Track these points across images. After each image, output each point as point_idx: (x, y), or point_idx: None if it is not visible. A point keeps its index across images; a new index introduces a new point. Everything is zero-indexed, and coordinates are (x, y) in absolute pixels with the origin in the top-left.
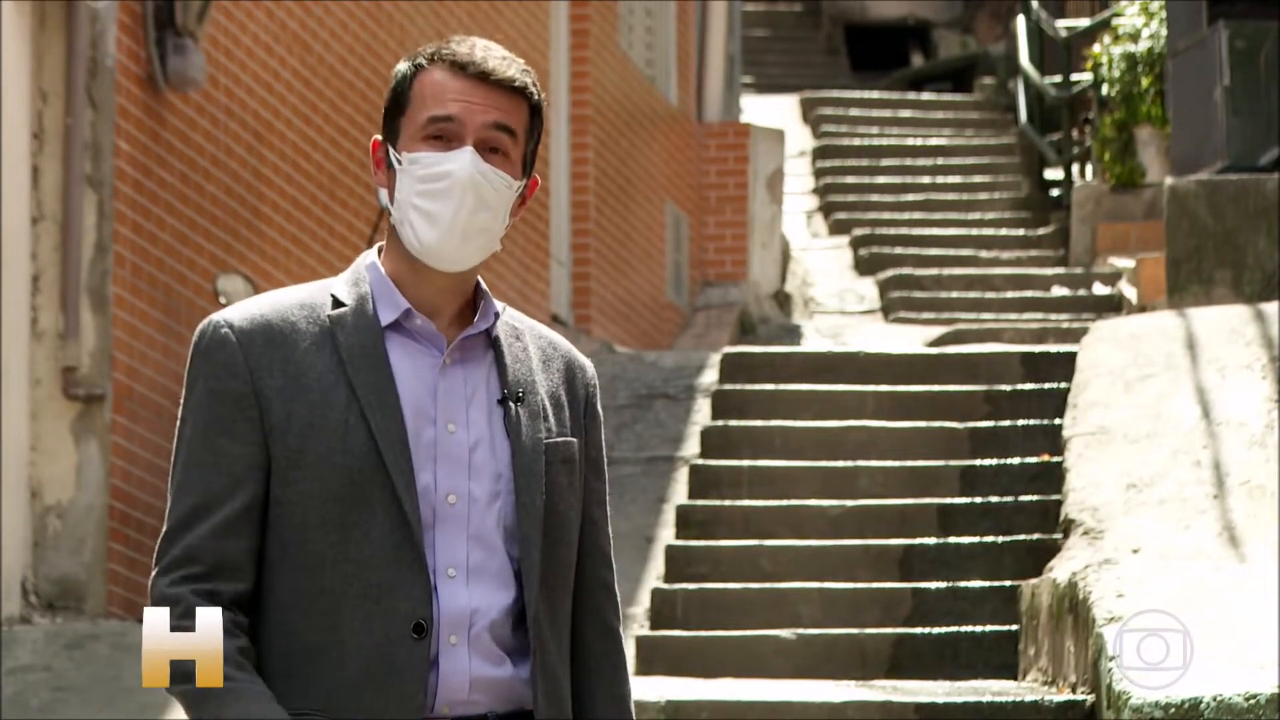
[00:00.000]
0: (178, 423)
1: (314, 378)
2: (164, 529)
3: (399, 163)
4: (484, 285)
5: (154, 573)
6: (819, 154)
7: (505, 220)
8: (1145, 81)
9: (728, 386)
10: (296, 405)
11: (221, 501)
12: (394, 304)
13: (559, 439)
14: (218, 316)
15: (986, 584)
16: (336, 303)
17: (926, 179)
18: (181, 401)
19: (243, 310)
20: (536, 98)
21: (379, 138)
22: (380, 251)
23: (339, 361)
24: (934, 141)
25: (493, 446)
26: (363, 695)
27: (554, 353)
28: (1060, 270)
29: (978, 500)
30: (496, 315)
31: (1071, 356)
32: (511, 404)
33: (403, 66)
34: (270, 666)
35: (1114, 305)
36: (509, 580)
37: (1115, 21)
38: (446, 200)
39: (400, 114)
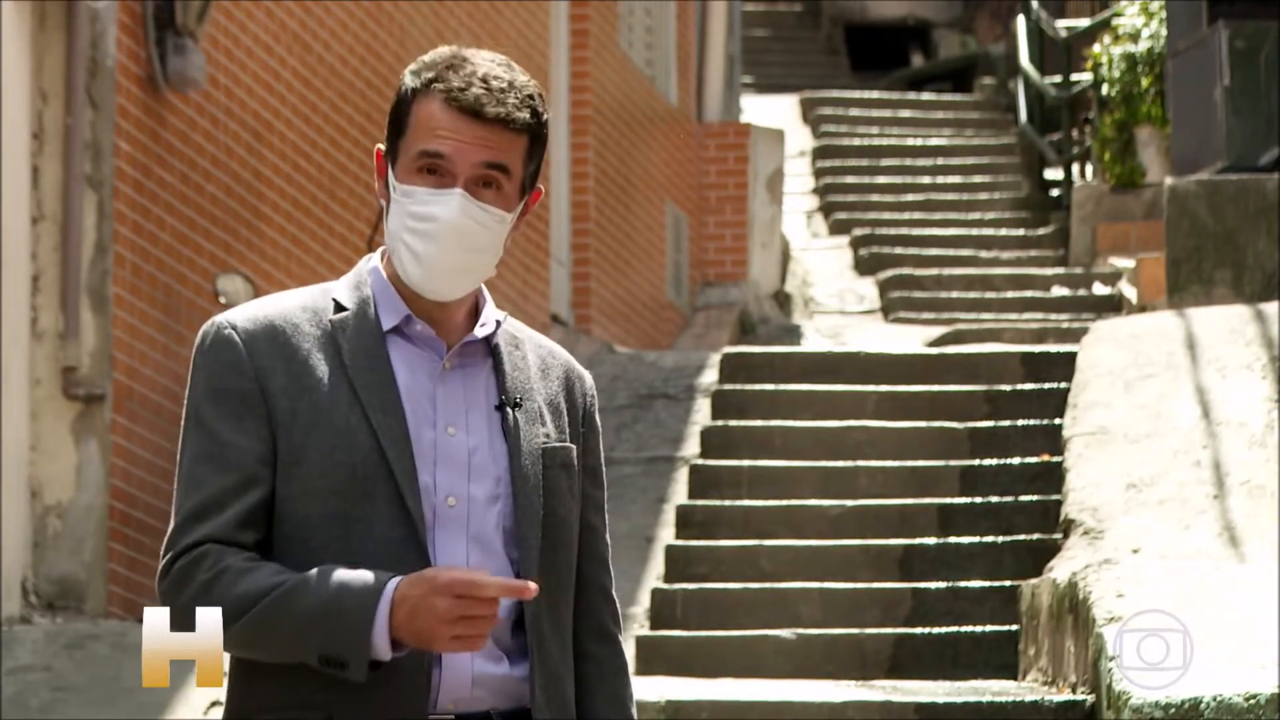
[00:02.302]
0: (182, 422)
1: (317, 379)
2: (171, 524)
3: (393, 190)
4: (486, 293)
5: (162, 563)
6: (819, 154)
7: (498, 253)
8: (1145, 81)
9: (728, 386)
10: (300, 404)
11: (233, 497)
12: (395, 309)
13: (557, 444)
14: (221, 318)
15: (986, 584)
16: (339, 306)
17: (926, 179)
18: (185, 401)
19: (246, 311)
20: (535, 125)
21: (382, 148)
22: (383, 255)
23: (341, 364)
24: (934, 141)
25: (492, 450)
26: (361, 691)
27: (553, 361)
28: (1060, 270)
29: (978, 500)
30: (498, 323)
31: (1071, 356)
32: (509, 409)
33: (407, 80)
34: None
35: (1114, 305)
36: None
37: (1115, 21)
38: (432, 243)
39: (399, 135)
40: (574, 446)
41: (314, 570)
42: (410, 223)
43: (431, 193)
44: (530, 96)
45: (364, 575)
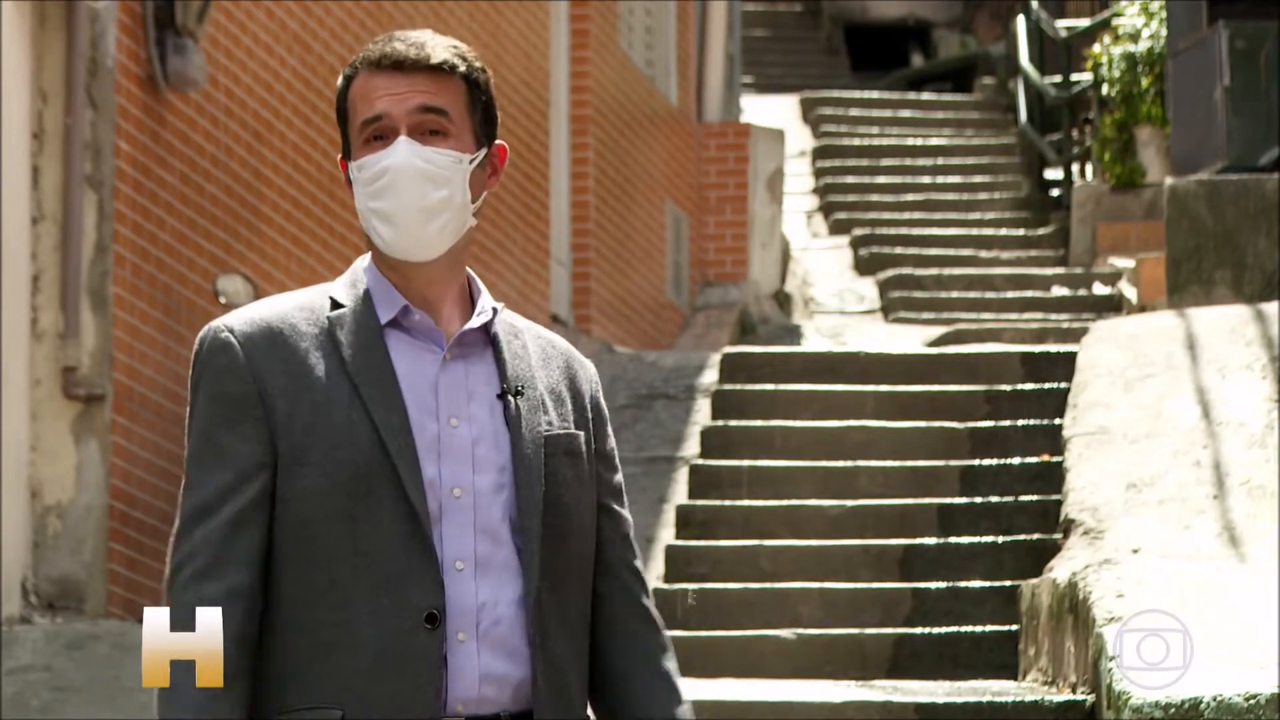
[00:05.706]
0: (186, 431)
1: (316, 378)
2: (174, 529)
3: (350, 173)
4: (479, 281)
5: (165, 578)
6: (819, 154)
7: (465, 193)
8: (1145, 81)
9: (728, 386)
10: (300, 404)
11: (227, 498)
12: (392, 302)
13: (560, 431)
14: (218, 322)
15: (986, 584)
16: (335, 304)
17: (926, 179)
18: (188, 408)
19: (242, 314)
20: (465, 70)
21: (341, 156)
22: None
23: (340, 361)
24: (934, 141)
25: (495, 440)
26: (375, 687)
27: (553, 351)
28: (1060, 270)
29: (978, 500)
30: (495, 311)
31: (1071, 356)
32: (511, 398)
33: (340, 80)
34: (281, 661)
35: (1114, 305)
36: (517, 572)
37: (1115, 21)
38: (393, 195)
39: (346, 126)
40: (580, 433)
41: None
42: (368, 189)
43: (379, 154)
44: (453, 46)
45: None
